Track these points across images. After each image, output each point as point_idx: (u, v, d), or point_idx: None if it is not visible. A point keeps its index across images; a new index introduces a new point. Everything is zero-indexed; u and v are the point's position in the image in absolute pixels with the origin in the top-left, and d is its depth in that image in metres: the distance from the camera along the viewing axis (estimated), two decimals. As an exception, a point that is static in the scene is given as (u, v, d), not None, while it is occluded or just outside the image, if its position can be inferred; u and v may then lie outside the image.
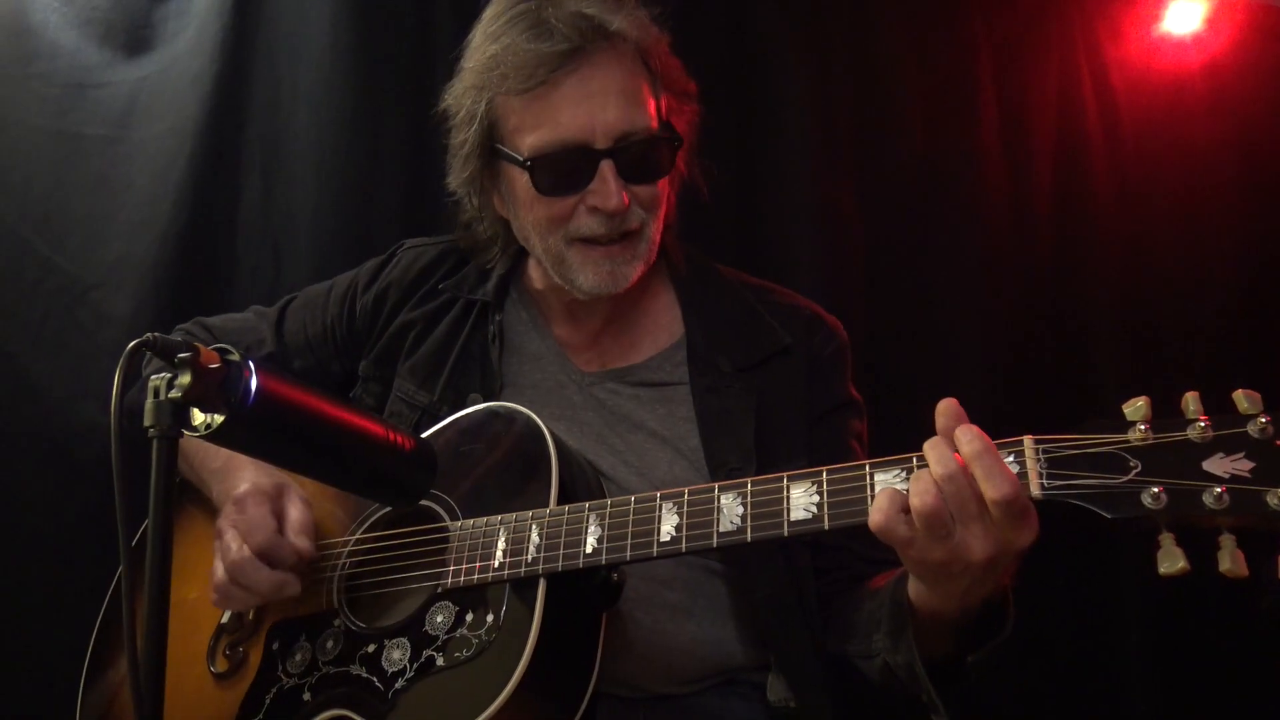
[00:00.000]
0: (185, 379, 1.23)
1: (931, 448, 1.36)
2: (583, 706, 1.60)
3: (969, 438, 1.33)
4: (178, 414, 1.23)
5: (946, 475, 1.32)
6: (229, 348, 1.32)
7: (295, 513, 1.74)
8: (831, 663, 1.81)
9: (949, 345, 2.78)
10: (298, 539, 1.71)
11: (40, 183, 2.72)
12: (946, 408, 1.37)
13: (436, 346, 2.01)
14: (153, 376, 1.28)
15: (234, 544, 1.69)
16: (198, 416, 1.28)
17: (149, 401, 1.25)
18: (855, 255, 2.78)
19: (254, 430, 1.33)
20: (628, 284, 1.89)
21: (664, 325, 2.02)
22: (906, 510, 1.35)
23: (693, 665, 1.83)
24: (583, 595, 1.62)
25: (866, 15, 2.86)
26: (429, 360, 2.00)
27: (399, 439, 1.51)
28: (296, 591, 1.71)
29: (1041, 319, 2.82)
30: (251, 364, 1.30)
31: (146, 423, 1.24)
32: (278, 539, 1.71)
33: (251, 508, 1.72)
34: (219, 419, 1.28)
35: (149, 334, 1.25)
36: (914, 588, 1.50)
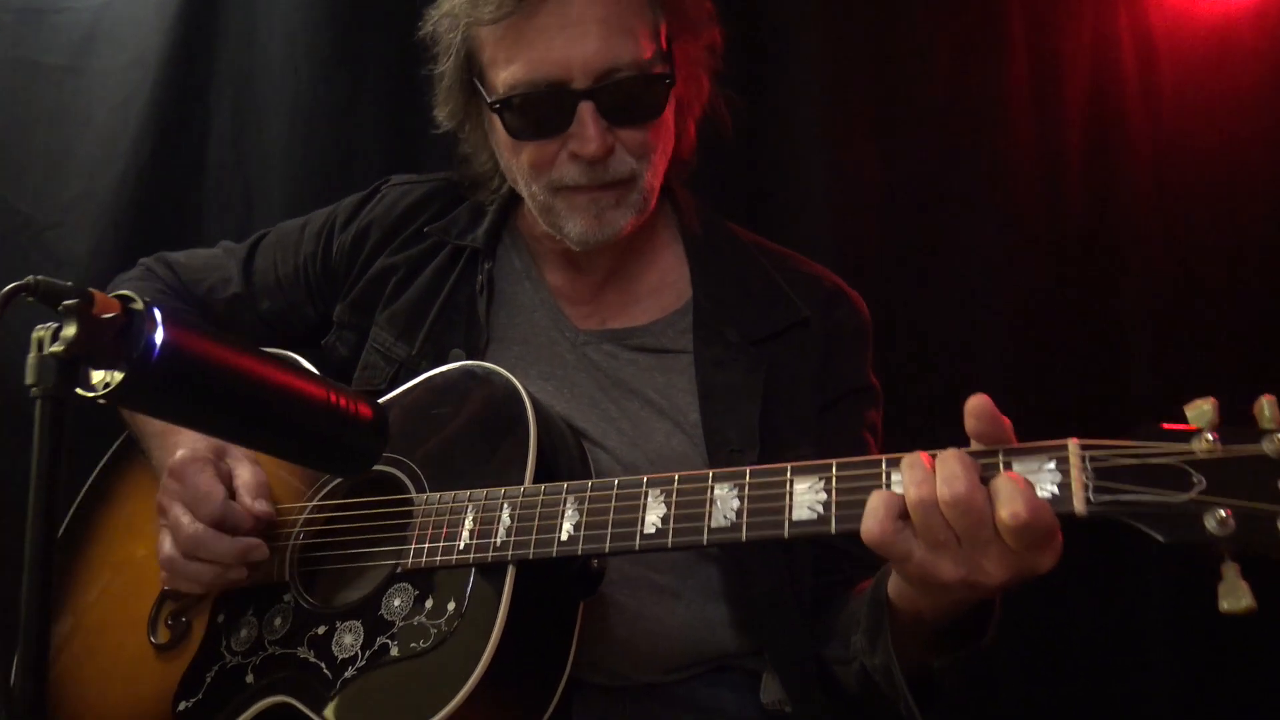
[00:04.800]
0: (69, 330, 1.06)
1: (943, 463, 1.18)
2: (552, 707, 1.46)
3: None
4: (65, 371, 1.06)
5: (951, 499, 1.15)
6: (132, 295, 1.15)
7: (245, 473, 1.61)
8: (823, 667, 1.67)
9: (969, 313, 2.57)
10: (254, 502, 1.58)
11: (-8, 115, 2.56)
12: (978, 408, 1.19)
13: (419, 295, 1.85)
14: (38, 327, 1.12)
15: (183, 518, 1.55)
16: (96, 374, 1.11)
17: (31, 355, 1.08)
18: (869, 211, 2.59)
19: (160, 390, 1.15)
20: (619, 233, 1.72)
21: (670, 285, 1.86)
22: (904, 516, 1.19)
23: (680, 652, 1.69)
24: (557, 583, 1.48)
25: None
26: (410, 309, 1.84)
27: (342, 400, 1.33)
28: (265, 555, 1.57)
29: (1071, 286, 2.60)
30: (158, 312, 1.12)
31: (28, 380, 1.07)
32: (230, 505, 1.57)
33: (192, 475, 1.58)
34: (118, 376, 1.10)
35: (31, 277, 1.07)
36: (896, 586, 1.35)
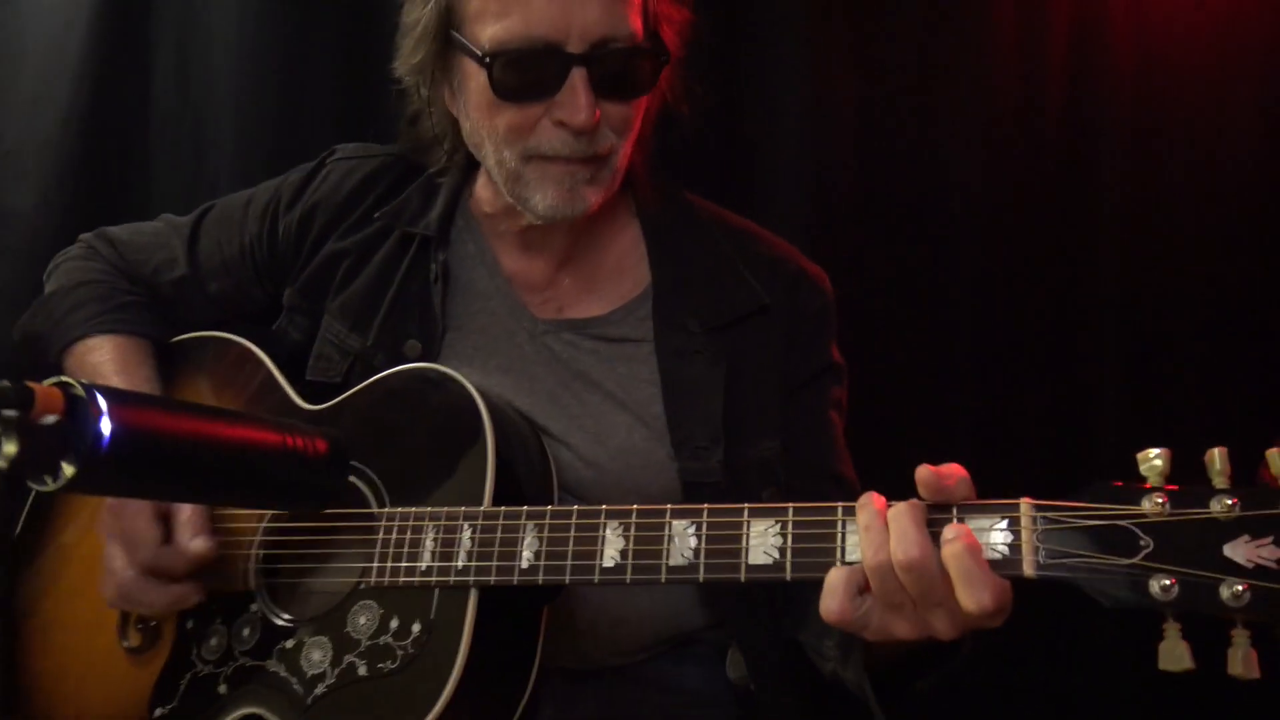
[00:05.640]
0: (10, 447, 1.03)
1: (895, 522, 1.19)
2: (519, 709, 1.49)
3: (951, 536, 1.16)
4: (8, 485, 1.03)
5: (906, 564, 1.16)
6: (73, 383, 1.11)
7: (186, 507, 1.56)
8: (792, 649, 1.69)
9: (944, 286, 2.50)
10: (192, 542, 1.54)
11: (-85, 54, 2.42)
12: (923, 482, 1.20)
13: (370, 283, 1.80)
14: None
15: (118, 561, 1.54)
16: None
17: None
18: (845, 154, 2.51)
19: (115, 475, 1.14)
20: (586, 210, 1.67)
21: (629, 270, 1.81)
22: (864, 589, 1.21)
23: (647, 634, 1.72)
24: (520, 595, 1.47)
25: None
26: (362, 298, 1.80)
27: (299, 441, 1.32)
28: (199, 599, 1.57)
29: (1049, 250, 2.52)
30: (101, 399, 1.09)
31: None
32: (163, 551, 1.54)
33: (130, 516, 1.54)
34: (69, 472, 1.08)
35: None
36: None
